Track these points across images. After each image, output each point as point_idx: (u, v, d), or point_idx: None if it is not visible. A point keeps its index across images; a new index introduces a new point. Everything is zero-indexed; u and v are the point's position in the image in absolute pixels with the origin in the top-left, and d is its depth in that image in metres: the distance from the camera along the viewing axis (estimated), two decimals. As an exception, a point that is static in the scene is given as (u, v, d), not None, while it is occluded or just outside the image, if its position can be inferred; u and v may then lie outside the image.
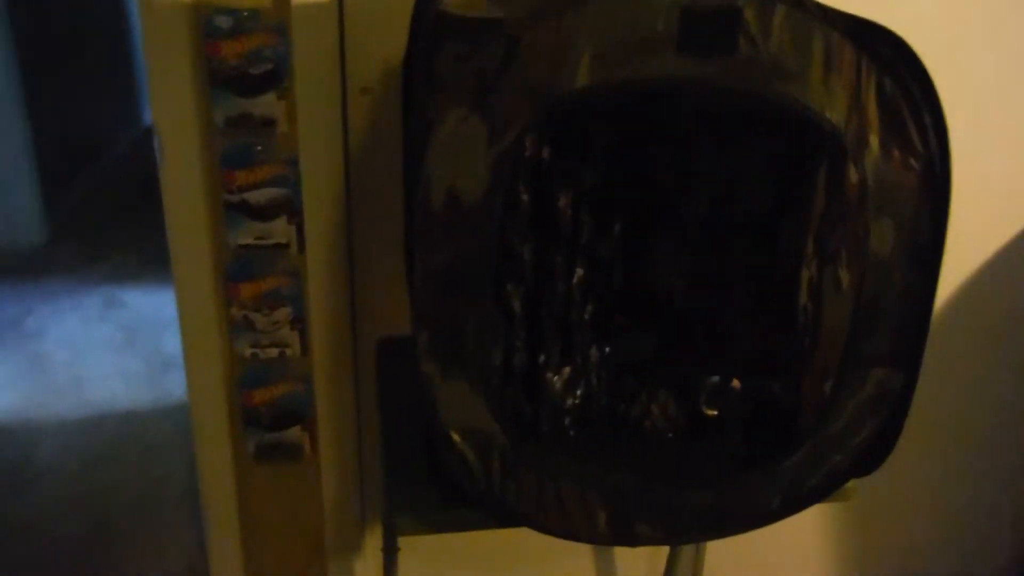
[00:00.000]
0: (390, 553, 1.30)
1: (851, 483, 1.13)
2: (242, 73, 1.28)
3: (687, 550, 1.70)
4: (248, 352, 1.46)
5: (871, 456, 1.09)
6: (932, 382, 1.66)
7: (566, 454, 1.12)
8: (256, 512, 1.59)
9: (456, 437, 1.01)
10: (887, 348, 1.03)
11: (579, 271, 1.15)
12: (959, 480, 1.84)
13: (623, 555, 1.80)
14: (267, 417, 1.51)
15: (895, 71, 0.93)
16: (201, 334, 1.45)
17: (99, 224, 3.36)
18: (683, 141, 1.12)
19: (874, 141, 0.95)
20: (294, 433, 1.53)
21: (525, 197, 1.09)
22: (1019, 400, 1.79)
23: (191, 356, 1.48)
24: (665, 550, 1.73)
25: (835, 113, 0.93)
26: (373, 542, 1.67)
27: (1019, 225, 1.62)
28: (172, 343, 1.48)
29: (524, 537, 1.09)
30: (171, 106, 1.31)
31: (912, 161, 0.96)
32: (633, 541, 1.09)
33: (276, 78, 1.30)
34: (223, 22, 1.25)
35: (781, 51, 0.90)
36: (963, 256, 1.62)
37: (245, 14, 1.25)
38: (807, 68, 0.91)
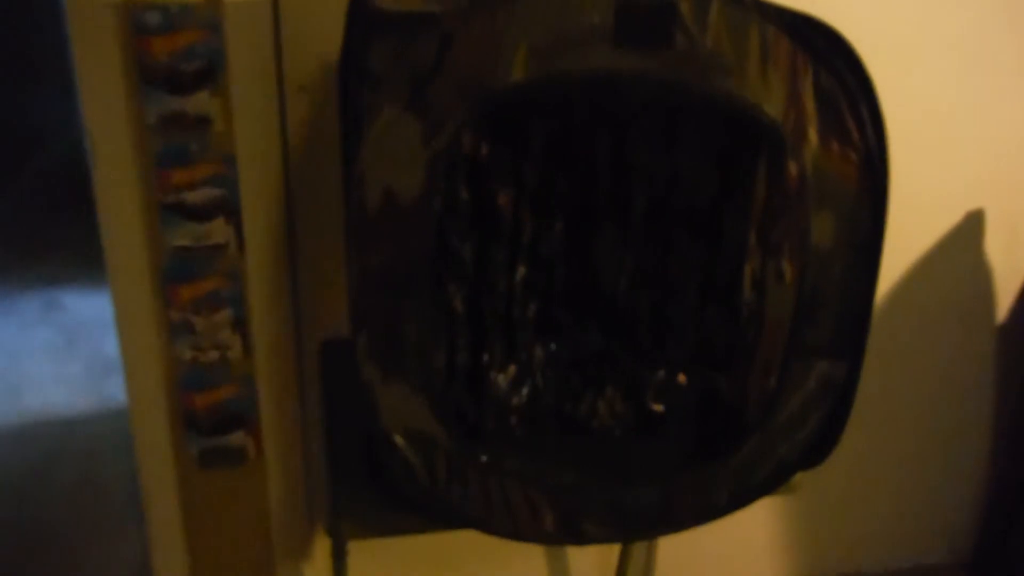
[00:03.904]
0: (338, 557, 1.28)
1: (798, 476, 1.13)
2: (174, 70, 1.25)
3: (639, 547, 1.71)
4: (188, 355, 1.43)
5: (818, 449, 1.10)
6: (877, 373, 1.69)
7: (512, 454, 1.10)
8: (201, 518, 1.56)
9: (399, 440, 0.99)
10: (830, 340, 1.04)
11: (521, 269, 1.14)
12: (906, 472, 1.86)
13: (575, 552, 1.79)
14: (209, 421, 1.48)
15: (831, 64, 0.93)
16: (139, 338, 1.41)
17: (36, 225, 3.28)
18: (624, 136, 1.11)
19: (812, 134, 0.95)
20: (238, 437, 1.50)
21: (464, 195, 1.07)
22: (964, 389, 1.81)
23: (130, 360, 1.44)
24: (617, 547, 1.73)
25: (773, 106, 0.93)
26: (322, 546, 1.65)
27: (958, 216, 1.64)
28: (113, 346, 1.43)
29: (476, 537, 1.08)
30: (102, 105, 1.27)
31: (851, 153, 0.96)
32: (581, 540, 1.09)
33: (210, 75, 1.26)
34: (153, 18, 1.22)
35: (718, 45, 0.89)
36: (904, 247, 1.64)
37: (176, 10, 1.22)
38: (744, 61, 0.90)
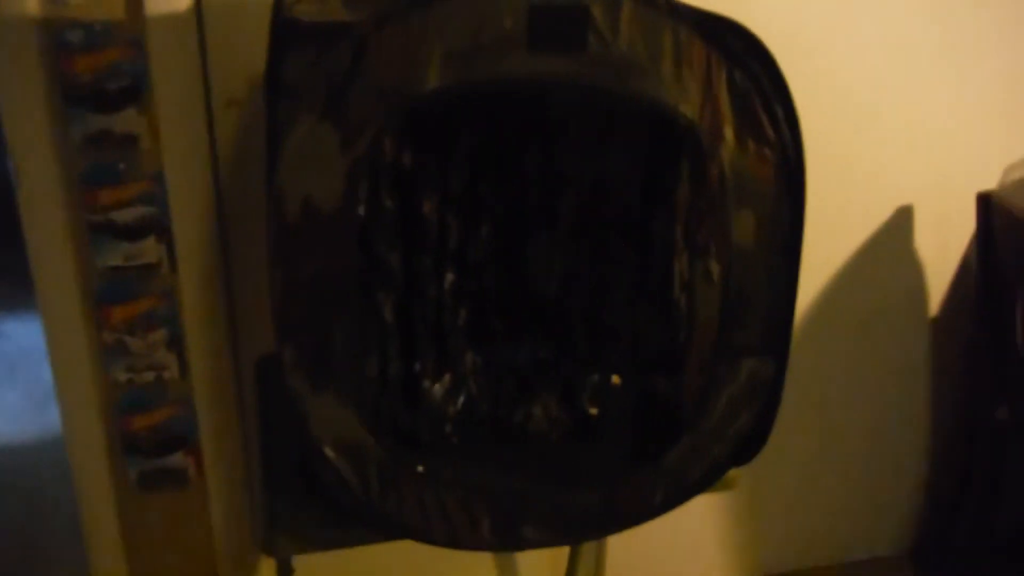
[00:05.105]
0: (284, 575, 1.27)
1: (733, 473, 1.14)
2: (99, 89, 1.24)
3: (588, 548, 1.71)
4: (124, 377, 1.41)
5: (749, 445, 1.11)
6: (814, 371, 1.72)
7: (448, 462, 1.10)
8: (143, 543, 1.54)
9: (330, 452, 0.99)
10: (757, 338, 1.05)
11: (449, 276, 1.14)
12: (848, 467, 1.89)
13: (525, 559, 1.79)
14: (148, 443, 1.46)
15: (745, 64, 0.94)
16: (73, 361, 1.39)
17: (-26, 253, 3.22)
18: (549, 140, 1.12)
19: (729, 133, 0.96)
20: (178, 458, 1.48)
21: (389, 203, 1.07)
22: (901, 383, 1.84)
23: (63, 385, 1.42)
24: (566, 549, 1.73)
25: (689, 107, 0.94)
26: (268, 564, 1.63)
27: (887, 214, 1.67)
28: (53, 374, 1.42)
29: (424, 548, 1.08)
30: (24, 125, 1.26)
31: (767, 152, 0.97)
32: (519, 545, 1.09)
33: (135, 93, 1.26)
34: (75, 36, 1.21)
35: (631, 47, 0.90)
36: (835, 244, 1.66)
37: (98, 28, 1.21)
38: (658, 63, 0.92)
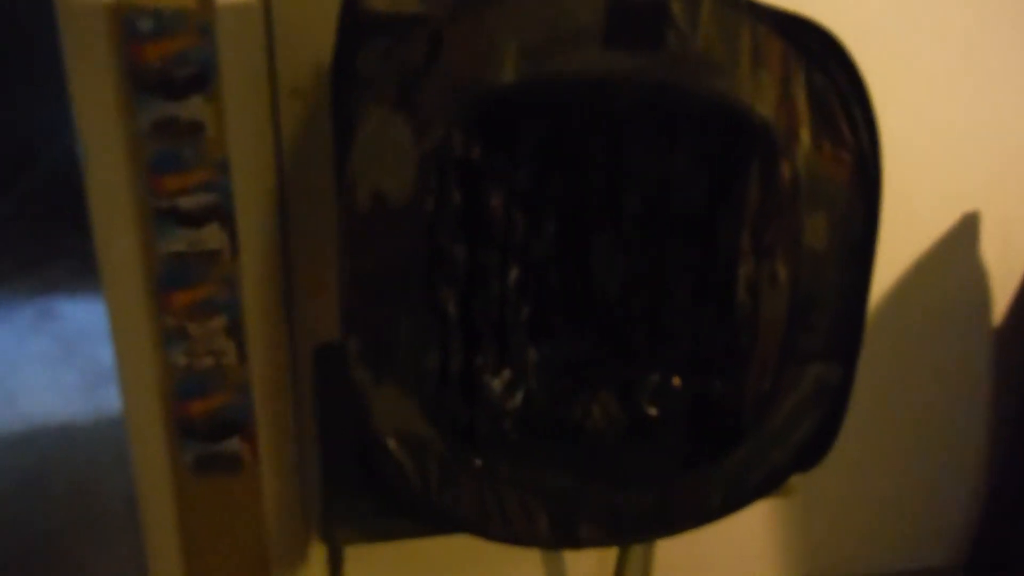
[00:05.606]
0: (335, 563, 1.27)
1: (793, 479, 1.13)
2: (167, 76, 1.25)
3: (636, 549, 1.70)
4: (183, 362, 1.42)
5: (812, 452, 1.09)
6: (873, 376, 1.69)
7: (506, 458, 1.10)
8: (196, 526, 1.56)
9: (392, 443, 0.99)
10: (824, 343, 1.03)
11: (514, 272, 1.14)
12: (904, 474, 1.86)
13: (572, 555, 1.79)
14: (205, 428, 1.47)
15: (824, 64, 0.93)
16: (134, 345, 1.41)
17: (33, 234, 3.28)
18: (616, 138, 1.11)
19: (805, 135, 0.94)
20: (233, 444, 1.49)
21: (456, 197, 1.07)
22: (961, 391, 1.81)
23: (125, 368, 1.44)
24: (614, 549, 1.72)
25: (765, 107, 0.93)
26: (319, 552, 1.64)
27: (952, 219, 1.64)
28: (108, 355, 1.43)
29: (474, 541, 1.08)
30: (94, 111, 1.27)
31: (843, 154, 0.96)
32: (576, 544, 1.08)
33: (203, 80, 1.26)
34: (145, 24, 1.22)
35: (709, 45, 0.89)
36: (899, 249, 1.64)
37: (168, 15, 1.22)
38: (735, 62, 0.90)
